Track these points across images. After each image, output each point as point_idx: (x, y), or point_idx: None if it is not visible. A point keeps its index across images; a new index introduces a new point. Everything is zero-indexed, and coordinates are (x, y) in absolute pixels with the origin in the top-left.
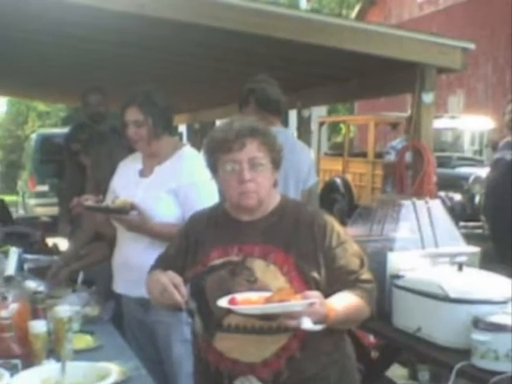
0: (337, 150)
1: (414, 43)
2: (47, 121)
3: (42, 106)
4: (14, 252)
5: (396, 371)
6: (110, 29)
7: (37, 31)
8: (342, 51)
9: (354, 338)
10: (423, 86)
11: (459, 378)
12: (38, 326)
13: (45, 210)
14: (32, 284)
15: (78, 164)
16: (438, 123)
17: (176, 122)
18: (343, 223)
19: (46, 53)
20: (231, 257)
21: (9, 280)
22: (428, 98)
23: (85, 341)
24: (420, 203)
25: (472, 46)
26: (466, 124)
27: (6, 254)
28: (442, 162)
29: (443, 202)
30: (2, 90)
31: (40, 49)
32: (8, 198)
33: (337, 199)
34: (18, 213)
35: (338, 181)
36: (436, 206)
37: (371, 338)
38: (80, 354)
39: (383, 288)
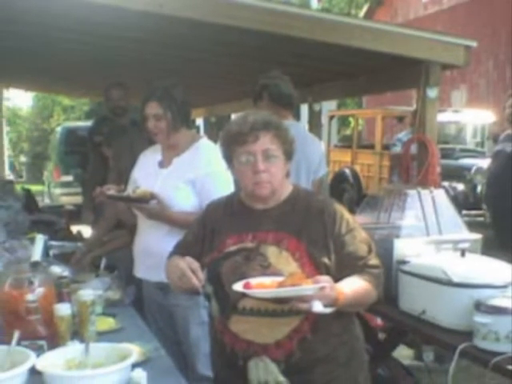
0: (346, 142)
1: (420, 41)
2: (71, 114)
3: (66, 101)
4: (40, 239)
5: (402, 352)
6: (130, 27)
7: (61, 29)
8: (350, 48)
9: (363, 320)
10: (428, 82)
11: (462, 358)
12: (63, 309)
13: (69, 199)
14: (57, 269)
15: (100, 155)
16: (442, 117)
17: (193, 115)
18: (352, 211)
19: (71, 50)
20: (246, 243)
21: (35, 265)
22: (432, 92)
23: (107, 323)
24: (425, 192)
25: (474, 44)
26: (468, 117)
27: (32, 240)
28: (446, 154)
29: (447, 191)
30: (29, 86)
31: (65, 46)
32: (34, 188)
33: (346, 189)
34: (43, 202)
35: (347, 171)
36: (440, 195)
37: (378, 321)
38: (102, 336)
39: (390, 273)
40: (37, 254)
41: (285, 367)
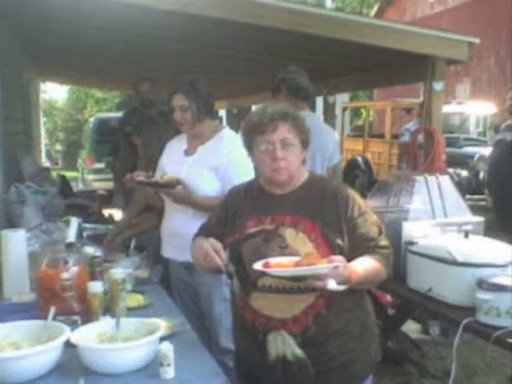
0: (358, 132)
1: (426, 38)
2: (103, 106)
3: (98, 94)
4: (74, 221)
5: (410, 326)
6: (157, 25)
7: (94, 27)
8: (362, 45)
9: (374, 297)
10: (434, 76)
11: (465, 332)
12: (96, 287)
13: (101, 185)
14: (90, 250)
15: (130, 144)
16: (447, 108)
17: (217, 107)
18: (363, 196)
19: (102, 46)
20: (265, 226)
21: (69, 246)
22: (438, 86)
23: (136, 300)
24: (431, 178)
25: (477, 41)
26: (471, 109)
27: (67, 223)
28: (451, 143)
29: (451, 177)
30: (64, 80)
31: (97, 42)
32: (69, 174)
33: (358, 175)
34: (77, 187)
35: (359, 159)
36: (445, 181)
37: (388, 297)
38: (132, 312)
39: (399, 253)
40: (71, 235)
41: (301, 340)
